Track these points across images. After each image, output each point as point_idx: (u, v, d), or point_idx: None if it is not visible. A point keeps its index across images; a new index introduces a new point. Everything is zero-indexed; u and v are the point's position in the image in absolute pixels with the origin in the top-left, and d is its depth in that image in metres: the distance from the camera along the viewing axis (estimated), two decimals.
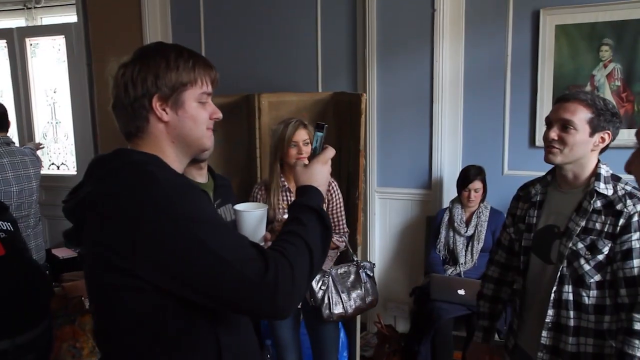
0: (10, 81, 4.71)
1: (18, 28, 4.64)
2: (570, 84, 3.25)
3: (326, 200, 2.60)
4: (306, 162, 1.35)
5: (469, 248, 3.19)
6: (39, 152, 3.70)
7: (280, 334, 2.62)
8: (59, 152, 4.86)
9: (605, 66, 3.18)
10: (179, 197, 1.06)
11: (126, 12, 4.12)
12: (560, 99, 1.71)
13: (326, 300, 2.50)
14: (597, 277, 1.63)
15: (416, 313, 3.14)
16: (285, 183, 2.54)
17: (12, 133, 4.87)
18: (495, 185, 3.31)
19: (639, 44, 3.07)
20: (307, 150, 2.42)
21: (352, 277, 2.61)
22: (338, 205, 2.63)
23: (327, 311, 2.51)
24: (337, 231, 2.62)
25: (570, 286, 1.67)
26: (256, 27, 3.92)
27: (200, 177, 1.92)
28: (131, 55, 1.18)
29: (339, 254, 2.71)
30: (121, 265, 1.03)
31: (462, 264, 3.16)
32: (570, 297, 1.66)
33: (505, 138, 3.41)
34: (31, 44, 4.63)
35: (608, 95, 3.16)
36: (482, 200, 3.24)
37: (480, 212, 3.22)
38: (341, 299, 2.53)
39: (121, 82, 1.15)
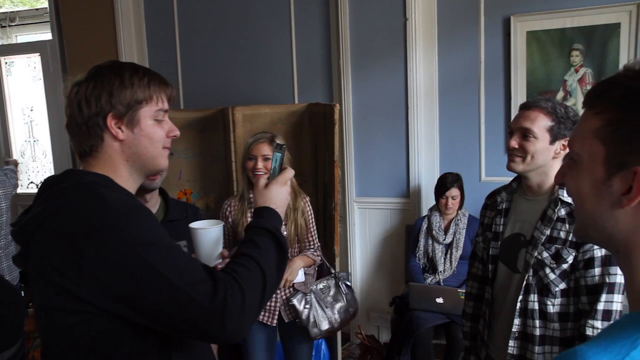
0: None
1: None
2: (543, 89, 3.27)
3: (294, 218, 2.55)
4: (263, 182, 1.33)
5: (448, 256, 3.18)
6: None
7: (253, 355, 2.54)
8: (38, 171, 4.81)
9: (576, 71, 3.21)
10: (127, 218, 1.04)
11: (101, 29, 4.10)
12: (522, 106, 1.72)
13: (312, 319, 2.45)
14: (562, 285, 1.63)
15: (396, 322, 3.12)
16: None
17: None
18: (473, 192, 3.31)
19: (608, 49, 3.10)
20: (266, 165, 2.37)
21: (333, 290, 2.58)
22: (310, 221, 2.59)
23: (315, 329, 2.46)
24: (310, 246, 2.59)
25: (535, 295, 1.66)
26: (231, 41, 3.92)
27: None
28: (85, 74, 1.17)
29: (316, 268, 2.69)
30: (67, 287, 1.01)
31: (441, 272, 3.16)
32: (536, 306, 1.66)
33: (481, 144, 3.41)
34: (6, 63, 4.60)
35: (580, 100, 3.19)
36: (460, 208, 3.24)
37: (458, 220, 3.22)
38: (326, 314, 2.50)
39: (75, 101, 1.14)
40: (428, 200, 3.46)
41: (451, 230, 3.20)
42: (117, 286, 1.00)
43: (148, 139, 1.17)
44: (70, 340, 1.06)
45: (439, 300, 2.89)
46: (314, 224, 2.61)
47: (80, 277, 1.00)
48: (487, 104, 3.39)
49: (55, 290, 1.03)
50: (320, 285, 2.58)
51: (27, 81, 4.64)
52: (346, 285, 2.63)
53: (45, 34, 4.49)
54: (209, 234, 1.32)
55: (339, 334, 3.23)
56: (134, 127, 1.15)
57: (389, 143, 3.57)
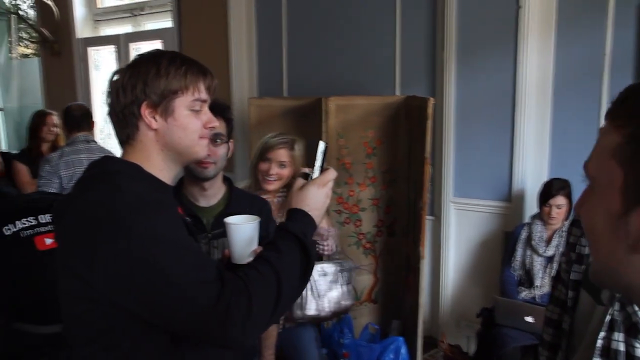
0: None
1: (124, 34, 5.01)
2: None
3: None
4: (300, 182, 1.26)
5: (547, 270, 2.87)
6: None
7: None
8: None
9: None
10: (140, 212, 1.03)
11: (215, 18, 4.26)
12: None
13: (298, 300, 2.30)
14: None
15: (482, 336, 2.89)
16: None
17: None
18: None
19: None
20: (278, 172, 2.24)
21: (330, 277, 2.40)
22: None
23: (299, 311, 2.32)
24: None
25: (621, 334, 1.40)
26: (336, 31, 3.85)
27: (204, 199, 1.73)
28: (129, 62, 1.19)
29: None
30: (80, 273, 1.03)
31: (537, 286, 2.86)
32: (621, 347, 1.40)
33: None
34: (134, 49, 4.97)
35: None
36: (567, 218, 2.90)
37: (563, 232, 2.88)
38: (315, 299, 2.34)
39: (113, 89, 1.16)
40: (532, 206, 3.15)
41: (554, 243, 2.87)
42: (124, 278, 1.00)
43: (182, 129, 1.15)
44: (81, 325, 1.08)
45: (529, 319, 2.61)
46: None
47: (91, 266, 1.01)
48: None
49: (70, 275, 1.06)
50: (319, 269, 2.40)
51: None
52: (347, 276, 2.45)
53: (167, 22, 4.77)
54: (241, 230, 1.27)
55: (420, 338, 3.08)
56: (168, 116, 1.14)
57: (492, 142, 3.29)
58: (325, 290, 2.38)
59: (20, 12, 6.30)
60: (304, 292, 2.28)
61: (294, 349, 2.43)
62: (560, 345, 1.68)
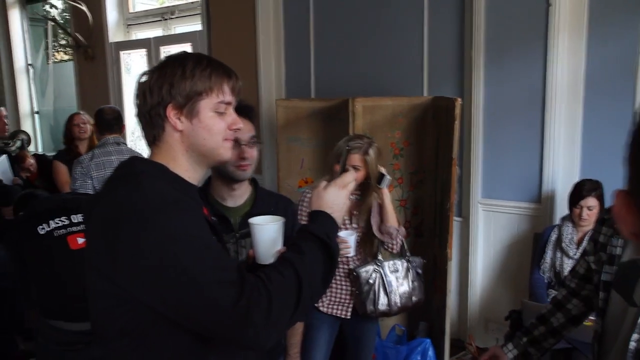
0: None
1: (154, 38, 5.11)
2: None
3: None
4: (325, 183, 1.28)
5: None
6: None
7: (315, 351, 2.42)
8: None
9: None
10: (160, 211, 1.03)
11: (243, 21, 4.31)
12: None
13: (371, 295, 2.35)
14: None
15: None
16: None
17: None
18: None
19: None
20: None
21: (401, 273, 2.44)
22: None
23: (371, 306, 2.37)
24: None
25: None
26: (363, 31, 3.85)
27: (231, 199, 1.75)
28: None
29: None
30: (105, 271, 1.05)
31: None
32: None
33: None
34: (165, 52, 5.06)
35: None
36: None
37: None
38: (386, 295, 2.37)
39: (140, 90, 1.18)
40: (562, 207, 3.09)
41: (584, 245, 2.82)
42: (144, 276, 1.01)
43: (206, 131, 1.16)
44: (107, 321, 1.10)
45: None
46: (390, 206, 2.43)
47: (114, 264, 1.03)
48: None
49: (96, 273, 1.07)
50: (390, 265, 2.44)
51: None
52: (417, 272, 2.47)
53: (197, 25, 4.84)
54: (265, 231, 1.28)
55: (447, 340, 3.06)
56: (193, 118, 1.15)
57: (521, 142, 3.24)
58: (396, 286, 2.42)
59: (56, 19, 6.48)
60: (375, 288, 2.37)
61: (355, 341, 2.51)
62: (547, 319, 1.75)
